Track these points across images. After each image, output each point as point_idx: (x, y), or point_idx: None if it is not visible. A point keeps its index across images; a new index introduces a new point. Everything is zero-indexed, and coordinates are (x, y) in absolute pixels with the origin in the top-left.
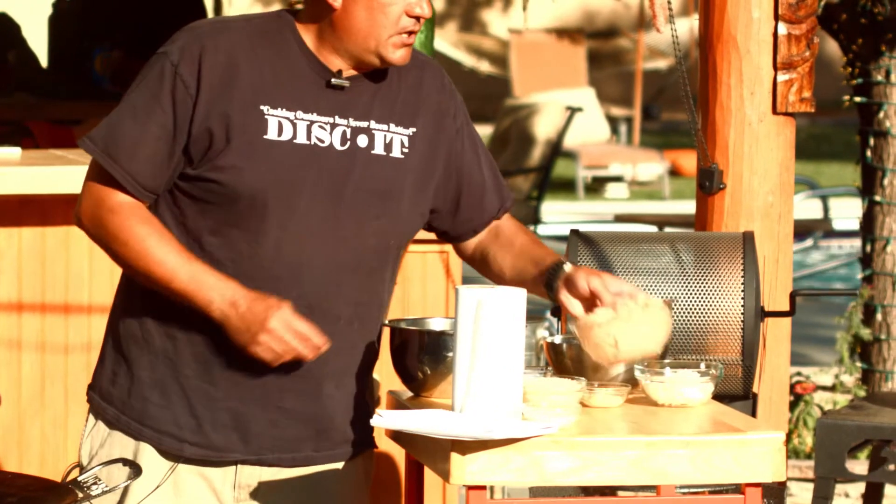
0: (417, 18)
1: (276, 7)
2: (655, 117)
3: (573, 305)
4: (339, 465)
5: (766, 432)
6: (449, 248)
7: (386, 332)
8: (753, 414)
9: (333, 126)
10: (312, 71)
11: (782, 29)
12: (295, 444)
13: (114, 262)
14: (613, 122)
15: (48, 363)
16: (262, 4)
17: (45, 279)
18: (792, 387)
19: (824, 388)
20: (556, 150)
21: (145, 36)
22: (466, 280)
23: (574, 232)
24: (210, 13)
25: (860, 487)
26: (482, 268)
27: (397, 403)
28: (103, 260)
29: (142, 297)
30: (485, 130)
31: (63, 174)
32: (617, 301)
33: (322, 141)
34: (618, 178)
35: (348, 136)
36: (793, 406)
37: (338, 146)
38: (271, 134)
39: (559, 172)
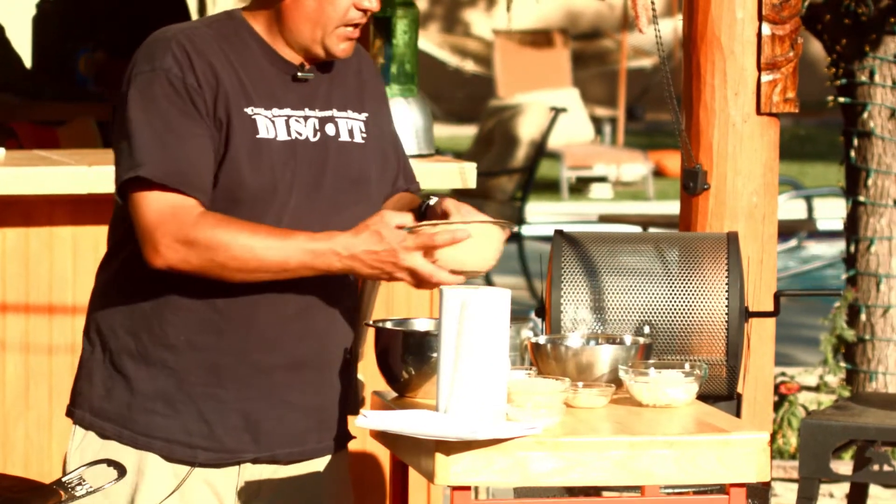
0: (365, 11)
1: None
2: (639, 118)
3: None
4: (331, 456)
5: (750, 433)
6: None
7: (371, 333)
8: (738, 414)
9: (306, 119)
10: (275, 67)
11: (766, 29)
12: (301, 437)
13: (215, 276)
14: (597, 122)
15: (32, 364)
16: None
17: (29, 280)
18: (776, 387)
19: (809, 389)
20: (540, 150)
21: (129, 36)
22: None
23: (558, 232)
24: (194, 14)
25: (844, 488)
26: None
27: (382, 404)
28: (87, 261)
29: (130, 312)
30: (469, 131)
31: (47, 175)
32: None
33: (300, 134)
34: (602, 179)
35: (317, 127)
36: (777, 406)
37: (311, 138)
38: (262, 133)
39: (543, 173)
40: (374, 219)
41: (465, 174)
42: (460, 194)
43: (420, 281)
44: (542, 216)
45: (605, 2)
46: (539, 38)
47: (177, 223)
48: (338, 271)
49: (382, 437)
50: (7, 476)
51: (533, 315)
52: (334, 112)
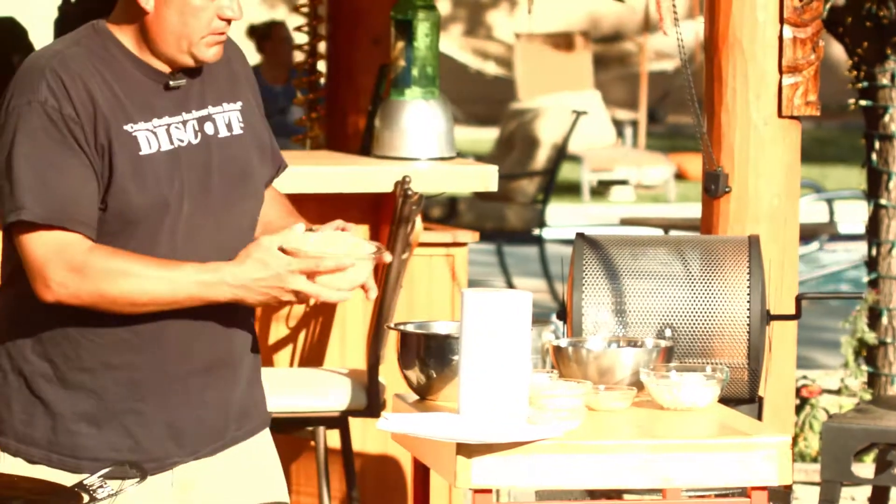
0: (228, 21)
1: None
2: (661, 120)
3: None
4: (259, 438)
5: (771, 436)
6: (455, 251)
7: (392, 336)
8: (759, 417)
9: (185, 123)
10: (148, 77)
11: (787, 32)
12: (222, 431)
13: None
14: (619, 125)
15: None
16: (266, 6)
17: None
18: (798, 390)
19: (830, 392)
20: (561, 153)
21: None
22: (472, 283)
23: (579, 235)
24: None
25: (866, 491)
26: None
27: (403, 407)
28: None
29: (40, 338)
30: (490, 133)
31: None
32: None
33: (182, 141)
34: (623, 182)
35: (196, 128)
36: (799, 409)
37: (193, 141)
38: (144, 149)
39: (564, 176)
40: (255, 247)
41: (487, 177)
42: (482, 197)
43: (305, 300)
44: (563, 219)
45: (627, 4)
46: (560, 41)
47: (64, 260)
48: (226, 301)
49: (404, 439)
50: (28, 478)
51: (554, 318)
52: (209, 109)
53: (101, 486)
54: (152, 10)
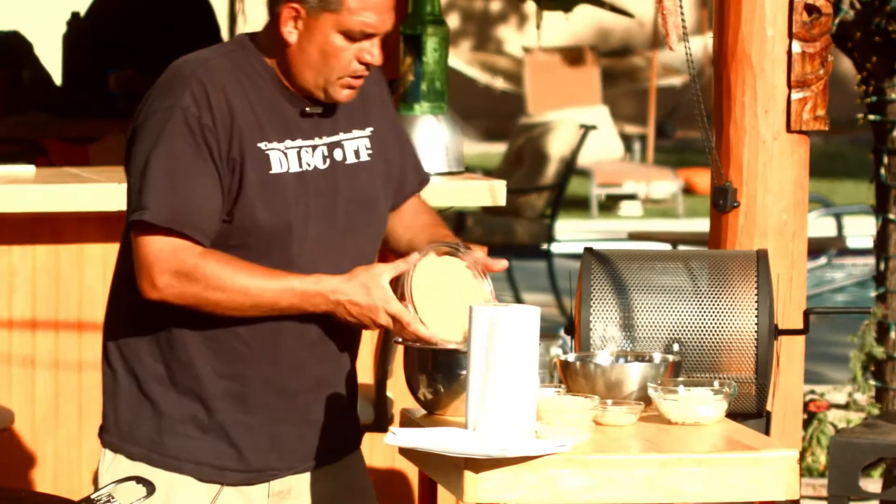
0: (367, 65)
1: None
2: (669, 135)
3: None
4: (352, 457)
5: (779, 450)
6: None
7: (400, 350)
8: (767, 432)
9: (315, 148)
10: (285, 100)
11: (796, 47)
12: (322, 449)
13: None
14: (627, 139)
15: (62, 381)
16: None
17: (59, 297)
18: (805, 405)
19: (838, 407)
20: (569, 167)
21: (160, 53)
22: None
23: (588, 250)
24: (224, 31)
25: None
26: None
27: (410, 421)
28: None
29: (156, 340)
30: (499, 148)
31: (77, 192)
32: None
33: (309, 165)
34: (632, 196)
35: (326, 154)
36: (806, 424)
37: (320, 166)
38: (275, 168)
39: (573, 190)
40: (366, 272)
41: (495, 192)
42: (490, 212)
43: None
44: (571, 234)
45: (636, 19)
46: (569, 56)
47: (175, 261)
48: (324, 312)
49: (411, 454)
50: (37, 493)
51: (562, 332)
52: (341, 136)
53: (108, 500)
54: (294, 43)
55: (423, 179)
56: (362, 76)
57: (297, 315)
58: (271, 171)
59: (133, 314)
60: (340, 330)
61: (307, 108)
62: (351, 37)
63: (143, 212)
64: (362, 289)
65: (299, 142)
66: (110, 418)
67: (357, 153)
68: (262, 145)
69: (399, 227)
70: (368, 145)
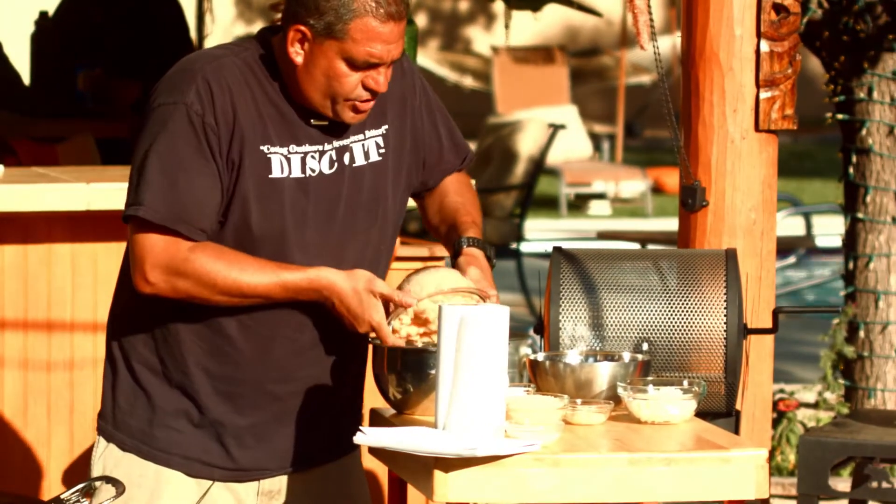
0: (373, 91)
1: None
2: (638, 134)
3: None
4: (349, 458)
5: (748, 449)
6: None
7: (369, 350)
8: (736, 431)
9: (322, 153)
10: (294, 108)
11: (765, 46)
12: (314, 450)
13: (194, 301)
14: (596, 139)
15: (31, 381)
16: (244, 21)
17: (28, 297)
18: (775, 404)
19: (807, 406)
20: (538, 167)
21: (128, 53)
22: None
23: (557, 249)
24: (192, 31)
25: None
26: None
27: (380, 420)
28: (85, 277)
29: (151, 334)
30: None
31: (45, 192)
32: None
33: (314, 171)
34: (600, 196)
35: (334, 158)
36: (776, 423)
37: (326, 171)
38: (275, 172)
39: (542, 190)
40: (366, 280)
41: None
42: None
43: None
44: (540, 233)
45: (604, 18)
46: (538, 55)
47: (167, 256)
48: (315, 302)
49: (381, 453)
50: (5, 493)
51: (531, 332)
52: (350, 139)
53: (77, 502)
54: (301, 64)
55: (466, 157)
56: (370, 101)
57: (287, 321)
58: (270, 176)
59: (133, 306)
60: (336, 335)
61: (313, 121)
62: (355, 65)
63: (138, 207)
64: (356, 297)
65: (306, 147)
66: (107, 406)
67: (367, 154)
68: (264, 148)
69: (431, 209)
70: (381, 143)
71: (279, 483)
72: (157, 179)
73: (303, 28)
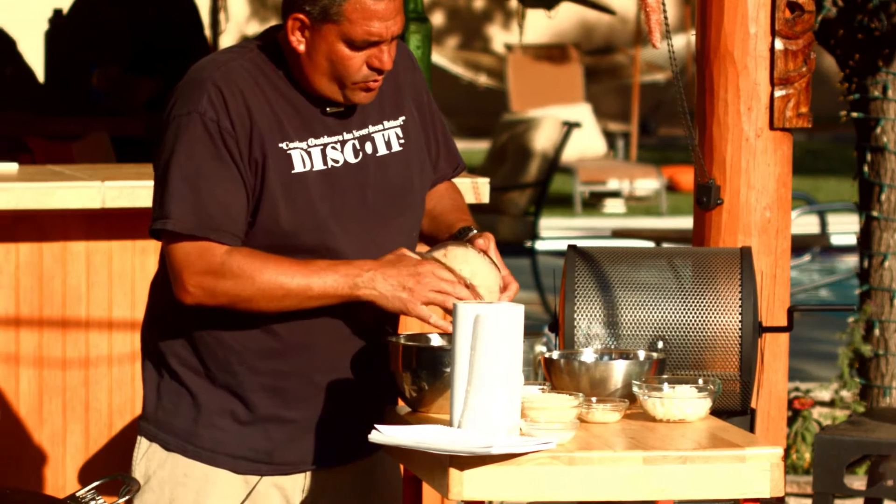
0: (379, 70)
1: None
2: (652, 132)
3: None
4: (381, 451)
5: (764, 448)
6: None
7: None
8: (751, 429)
9: (343, 143)
10: (307, 99)
11: (779, 44)
12: (358, 442)
13: (231, 306)
14: (610, 137)
15: (46, 379)
16: (258, 20)
17: (43, 295)
18: (790, 402)
19: (822, 404)
20: (553, 165)
21: (143, 51)
22: None
23: (571, 247)
24: (206, 30)
25: (858, 503)
26: None
27: (395, 419)
28: (100, 275)
29: (191, 338)
30: (482, 146)
31: (60, 189)
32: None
33: (336, 161)
34: (615, 194)
35: (358, 147)
36: (791, 421)
37: (351, 160)
38: (297, 167)
39: (556, 188)
40: (394, 255)
41: (479, 189)
42: (474, 209)
43: (437, 289)
44: (555, 231)
45: (618, 16)
46: (552, 53)
47: (203, 264)
48: (358, 294)
49: (396, 451)
50: (21, 491)
51: (546, 330)
52: (370, 129)
53: (93, 499)
54: (304, 52)
55: (458, 166)
56: (378, 79)
57: (330, 310)
58: (293, 171)
59: (169, 311)
60: (373, 326)
61: (328, 109)
62: (356, 46)
63: (166, 221)
64: (396, 258)
65: (324, 139)
66: (150, 407)
67: (388, 144)
68: (283, 145)
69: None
70: (400, 134)
71: (323, 477)
72: (180, 190)
73: (300, 16)
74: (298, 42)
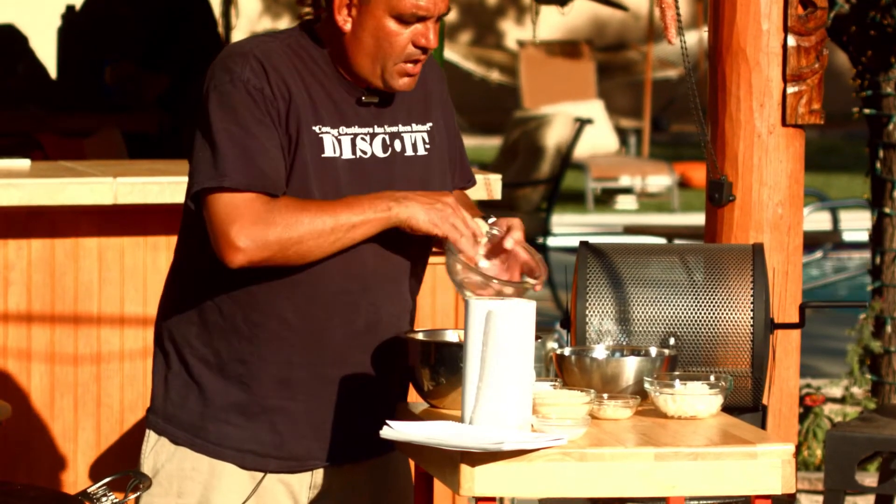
0: (424, 49)
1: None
2: (665, 129)
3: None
4: (397, 454)
5: (775, 444)
6: None
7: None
8: (763, 426)
9: (373, 136)
10: (343, 88)
11: (791, 41)
12: (367, 440)
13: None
14: (623, 133)
15: (57, 375)
16: (270, 15)
17: (55, 291)
18: (801, 399)
19: (834, 401)
20: (565, 161)
21: (155, 47)
22: None
23: (583, 244)
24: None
25: (870, 500)
26: None
27: (407, 415)
28: (112, 271)
29: (205, 325)
30: (494, 142)
31: (72, 186)
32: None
33: (365, 153)
34: (627, 190)
35: (388, 143)
36: (802, 418)
37: (379, 154)
38: (328, 152)
39: (568, 184)
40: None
41: (491, 185)
42: (485, 205)
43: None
44: (567, 227)
45: (631, 13)
46: (565, 49)
47: (252, 215)
48: (396, 213)
49: (407, 447)
50: (33, 486)
51: (558, 326)
52: (400, 127)
53: (104, 496)
54: (350, 31)
55: (470, 180)
56: (419, 61)
57: (346, 303)
58: (323, 155)
59: (184, 300)
60: (390, 321)
61: (363, 98)
62: (403, 20)
63: (223, 178)
64: (427, 197)
65: (355, 129)
66: (158, 400)
67: (415, 146)
68: (316, 128)
69: None
70: (427, 140)
71: (331, 475)
72: (232, 153)
73: None
74: (345, 21)
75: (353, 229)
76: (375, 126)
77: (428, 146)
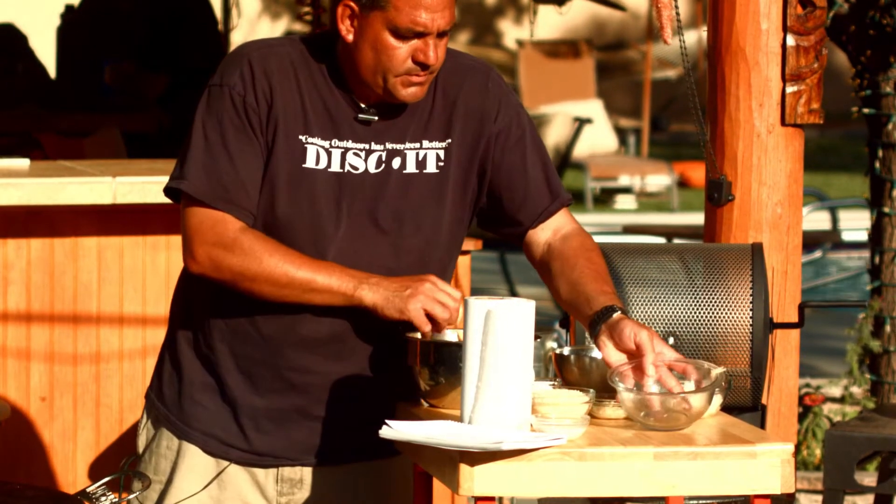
0: (423, 65)
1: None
2: (664, 128)
3: (611, 353)
4: (388, 462)
5: (774, 444)
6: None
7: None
8: (762, 425)
9: (369, 152)
10: (344, 102)
11: (791, 40)
12: (336, 452)
13: (237, 289)
14: (622, 133)
15: (57, 374)
16: (270, 16)
17: (54, 290)
18: (801, 398)
19: (833, 400)
20: (564, 161)
21: (154, 47)
22: (475, 291)
23: None
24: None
25: (869, 499)
26: (543, 278)
27: (406, 415)
28: (112, 270)
29: (189, 308)
30: None
31: (72, 185)
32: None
33: (355, 168)
34: (626, 190)
35: (384, 160)
36: (801, 418)
37: (372, 170)
38: (310, 163)
39: (568, 183)
40: (407, 277)
41: None
42: None
43: (432, 298)
44: None
45: (630, 12)
46: (564, 49)
47: (214, 235)
48: (360, 296)
49: (406, 447)
50: (31, 486)
51: (557, 326)
52: (406, 145)
53: (103, 495)
54: (352, 41)
55: (559, 198)
56: (422, 75)
57: (310, 313)
58: (304, 165)
59: (184, 280)
60: (361, 329)
61: (360, 115)
62: (400, 34)
63: (180, 181)
64: (405, 277)
65: (349, 143)
66: (154, 379)
67: (422, 163)
68: (302, 138)
69: (557, 265)
70: (442, 157)
71: (300, 473)
72: (202, 157)
73: (350, 3)
74: (348, 31)
75: (312, 292)
76: (373, 143)
77: (441, 164)
